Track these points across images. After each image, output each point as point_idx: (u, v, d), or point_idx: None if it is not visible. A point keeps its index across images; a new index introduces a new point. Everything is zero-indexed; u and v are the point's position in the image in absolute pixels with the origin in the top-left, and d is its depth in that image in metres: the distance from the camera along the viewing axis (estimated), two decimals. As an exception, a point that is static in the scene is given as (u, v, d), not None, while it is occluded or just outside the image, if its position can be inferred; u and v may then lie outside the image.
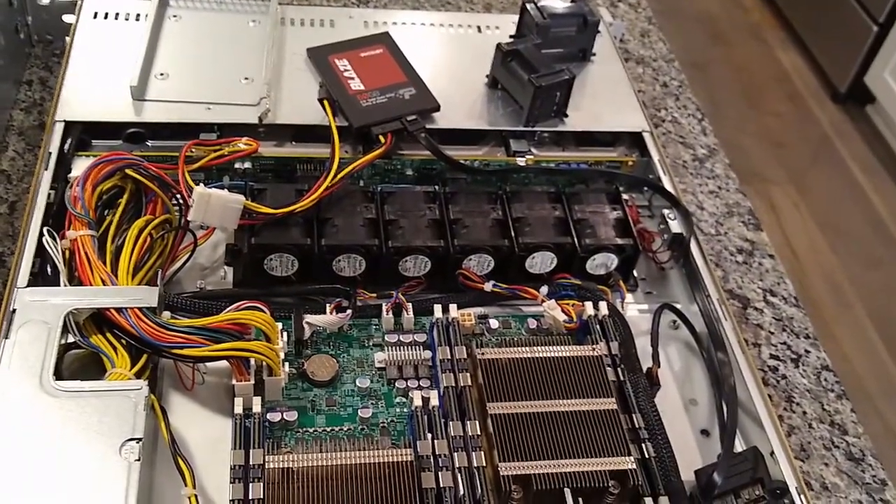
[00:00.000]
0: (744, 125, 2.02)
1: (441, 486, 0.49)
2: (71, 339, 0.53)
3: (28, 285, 0.55)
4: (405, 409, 0.55)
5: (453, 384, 0.54)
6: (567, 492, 0.50)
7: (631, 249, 0.63)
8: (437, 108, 0.69)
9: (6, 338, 0.51)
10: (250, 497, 0.47)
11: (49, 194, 0.60)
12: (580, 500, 0.50)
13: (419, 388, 0.56)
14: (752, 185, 0.74)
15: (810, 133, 2.09)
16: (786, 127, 2.09)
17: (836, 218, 1.85)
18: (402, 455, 0.50)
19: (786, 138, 2.05)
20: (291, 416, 0.54)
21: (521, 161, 0.70)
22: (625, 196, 0.67)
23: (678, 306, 0.63)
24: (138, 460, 0.47)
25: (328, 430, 0.54)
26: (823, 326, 0.64)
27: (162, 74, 0.69)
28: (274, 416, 0.53)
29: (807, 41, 2.26)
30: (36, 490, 0.45)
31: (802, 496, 0.52)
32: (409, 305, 0.59)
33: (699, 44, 2.23)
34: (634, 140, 0.73)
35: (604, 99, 0.74)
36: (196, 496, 0.47)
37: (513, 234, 0.62)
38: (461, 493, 0.50)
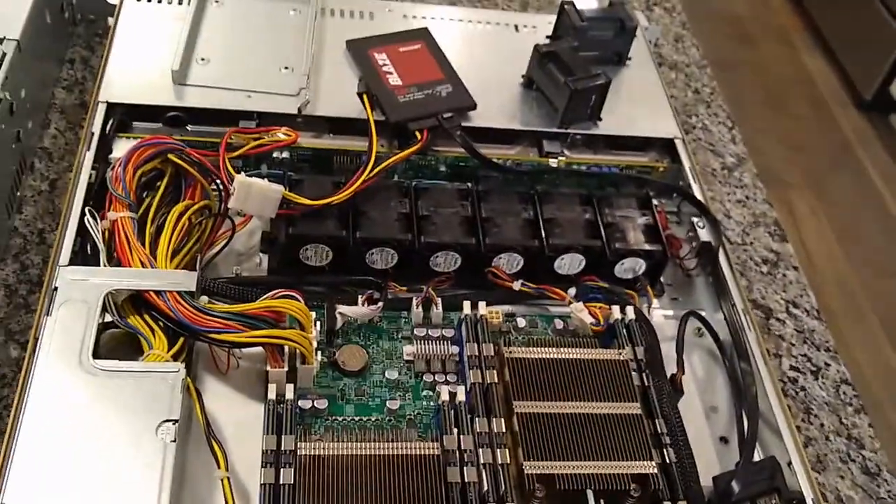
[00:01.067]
0: (765, 127, 2.01)
1: (466, 481, 0.51)
2: (109, 318, 0.54)
3: (69, 264, 0.56)
4: (432, 403, 0.57)
5: (480, 381, 0.55)
6: (589, 493, 0.51)
7: (660, 255, 0.64)
8: (474, 107, 0.70)
9: (48, 314, 0.52)
10: (281, 482, 0.49)
11: (90, 174, 0.61)
12: (602, 501, 0.51)
13: (446, 382, 0.57)
14: (770, 188, 0.74)
15: (832, 139, 2.08)
16: (807, 131, 2.08)
17: (853, 225, 1.86)
18: (428, 448, 0.51)
19: (806, 143, 2.05)
20: (322, 403, 0.55)
21: (553, 162, 0.70)
22: (654, 201, 0.68)
23: (703, 314, 0.64)
24: (174, 441, 0.48)
25: (357, 419, 0.55)
26: (837, 334, 0.65)
27: (203, 59, 0.69)
28: (305, 403, 0.55)
29: (834, 46, 2.25)
30: (72, 466, 0.46)
31: (818, 508, 0.53)
32: (439, 300, 0.60)
33: (725, 44, 2.22)
34: (666, 146, 0.74)
35: (637, 104, 0.75)
36: (228, 479, 0.49)
37: (543, 234, 0.63)
38: (485, 488, 0.51)
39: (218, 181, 0.61)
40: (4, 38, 0.64)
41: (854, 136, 2.09)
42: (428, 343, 0.59)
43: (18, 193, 0.64)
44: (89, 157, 0.62)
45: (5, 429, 0.47)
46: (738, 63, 2.16)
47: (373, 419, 0.56)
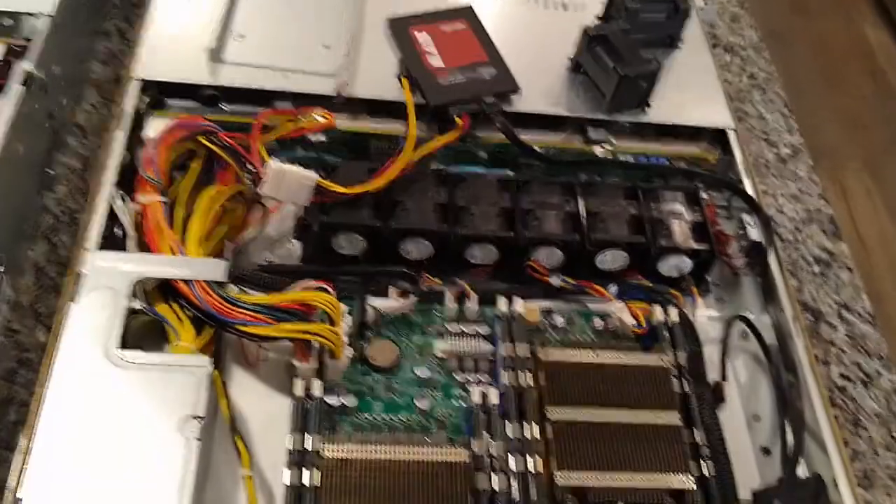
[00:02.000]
0: (819, 102, 1.94)
1: (494, 489, 0.49)
2: (136, 305, 0.53)
3: (97, 248, 0.55)
4: (463, 404, 0.55)
5: (514, 383, 0.54)
6: (622, 506, 0.49)
7: (707, 255, 0.61)
8: (517, 91, 0.67)
9: (73, 301, 0.51)
10: (306, 484, 0.48)
11: (122, 154, 0.60)
12: (636, 516, 0.49)
13: (479, 382, 0.56)
14: (822, 167, 0.71)
15: (891, 115, 2.01)
16: (865, 107, 2.01)
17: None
18: (457, 455, 0.50)
19: (864, 119, 1.97)
20: (350, 400, 0.54)
21: (598, 151, 0.68)
22: (703, 194, 0.65)
23: (750, 315, 0.61)
24: (199, 439, 0.47)
25: (385, 417, 0.54)
26: (892, 341, 0.62)
27: (240, 36, 0.68)
28: (333, 399, 0.53)
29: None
30: (92, 460, 0.46)
31: (864, 531, 0.50)
32: (474, 295, 0.58)
33: (781, 18, 2.14)
34: (717, 136, 0.70)
35: (689, 90, 0.71)
36: (252, 478, 0.48)
37: (585, 229, 0.61)
38: (514, 497, 0.49)
39: (251, 165, 0.59)
40: (39, 13, 0.62)
41: (916, 112, 2.01)
42: (461, 340, 0.57)
43: (51, 171, 0.63)
44: (121, 136, 0.61)
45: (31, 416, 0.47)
46: (794, 37, 2.09)
47: (402, 418, 0.54)
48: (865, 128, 1.95)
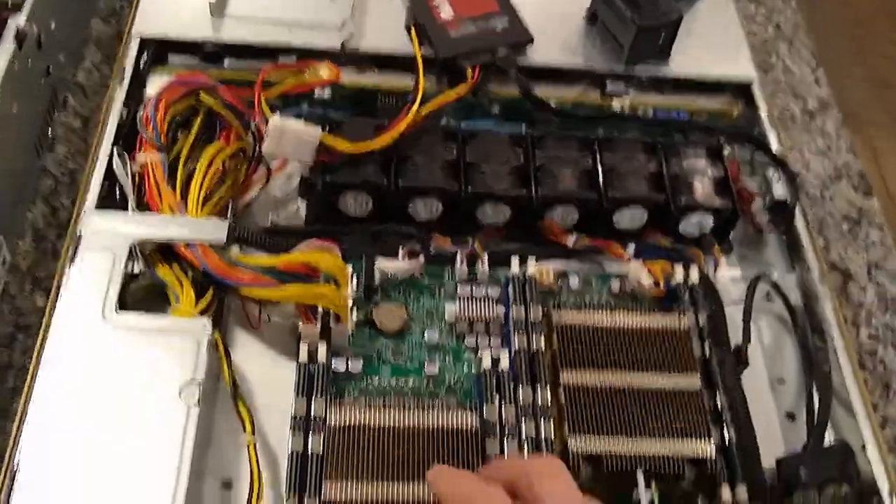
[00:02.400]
0: (850, 62, 1.89)
1: (506, 455, 0.47)
2: (137, 268, 0.52)
3: (97, 208, 0.53)
4: (473, 368, 0.53)
5: (526, 347, 0.51)
6: (639, 473, 0.47)
7: (729, 212, 0.58)
8: (531, 41, 0.64)
9: (72, 262, 0.50)
10: (310, 451, 0.46)
11: (122, 113, 0.58)
12: (652, 482, 0.47)
13: (490, 346, 0.54)
14: (854, 129, 0.67)
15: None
16: (892, 67, 1.95)
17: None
18: (467, 421, 0.48)
19: (891, 79, 1.91)
20: (357, 364, 0.52)
21: (615, 105, 0.65)
22: (725, 151, 0.62)
23: (774, 275, 0.59)
24: (198, 403, 0.46)
25: (393, 382, 0.52)
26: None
27: (243, -13, 0.65)
28: (339, 364, 0.52)
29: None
30: (91, 423, 0.44)
31: (894, 498, 0.48)
32: (485, 256, 0.56)
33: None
34: (741, 89, 0.67)
35: (711, 42, 0.68)
36: (255, 444, 0.46)
37: (602, 186, 0.58)
38: (527, 464, 0.47)
39: (253, 122, 0.57)
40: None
41: (947, 70, 1.95)
42: (472, 303, 0.55)
43: (50, 131, 0.61)
44: (120, 94, 0.59)
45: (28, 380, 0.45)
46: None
47: (410, 383, 0.52)
48: (892, 87, 1.89)
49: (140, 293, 0.52)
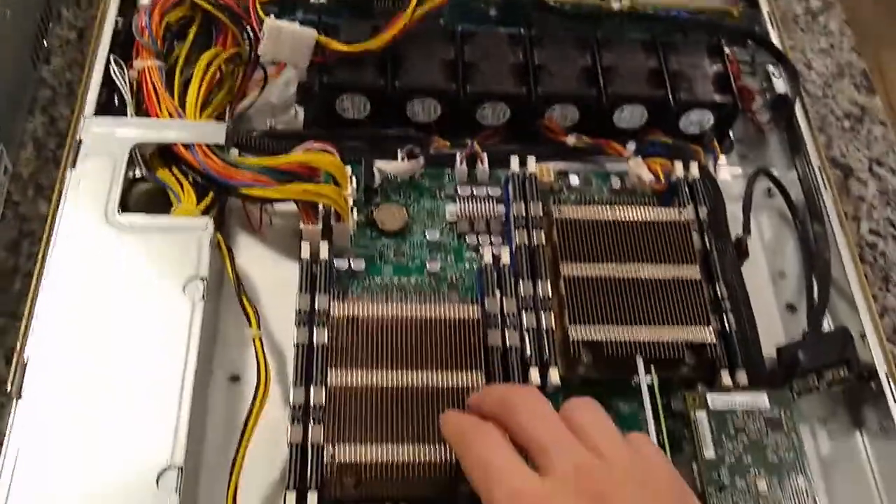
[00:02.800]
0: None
1: (507, 345, 0.48)
2: (137, 173, 0.52)
3: (95, 115, 0.53)
4: (474, 265, 0.53)
5: (526, 242, 0.52)
6: (639, 360, 0.48)
7: (730, 108, 0.58)
8: (529, -59, 0.63)
9: (73, 167, 0.50)
10: (315, 342, 0.47)
11: (117, 21, 0.58)
12: (652, 369, 0.48)
13: (490, 244, 0.54)
14: (853, 26, 0.66)
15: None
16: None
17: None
18: (468, 311, 0.48)
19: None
20: (359, 264, 0.52)
21: (615, 4, 0.64)
22: (726, 49, 0.61)
23: (774, 172, 0.59)
24: (203, 299, 0.46)
25: (395, 281, 0.52)
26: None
27: None
28: (341, 263, 0.52)
29: None
30: (98, 320, 0.45)
31: (891, 381, 0.49)
32: (485, 156, 0.56)
33: None
34: (742, -14, 0.66)
35: (712, -63, 0.67)
36: (261, 338, 0.47)
37: (601, 83, 0.58)
38: (528, 353, 0.48)
39: (249, 27, 0.57)
40: None
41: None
42: (472, 202, 0.55)
43: (45, 43, 0.61)
44: (115, 2, 0.58)
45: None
46: None
47: (412, 281, 0.53)
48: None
49: (141, 199, 0.52)
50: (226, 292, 0.51)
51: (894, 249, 0.60)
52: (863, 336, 0.51)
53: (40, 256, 0.47)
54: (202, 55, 0.55)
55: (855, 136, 0.65)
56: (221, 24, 0.57)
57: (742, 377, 0.48)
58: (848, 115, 0.66)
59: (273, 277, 0.52)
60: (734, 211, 0.56)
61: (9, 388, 0.42)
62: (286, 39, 0.54)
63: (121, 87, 0.54)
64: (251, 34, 0.56)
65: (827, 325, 0.53)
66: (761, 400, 0.47)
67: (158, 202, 0.52)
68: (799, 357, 0.49)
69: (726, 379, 0.48)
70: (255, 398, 0.44)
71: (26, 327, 0.44)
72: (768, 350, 0.51)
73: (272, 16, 0.55)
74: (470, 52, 0.58)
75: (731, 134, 0.61)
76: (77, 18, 0.64)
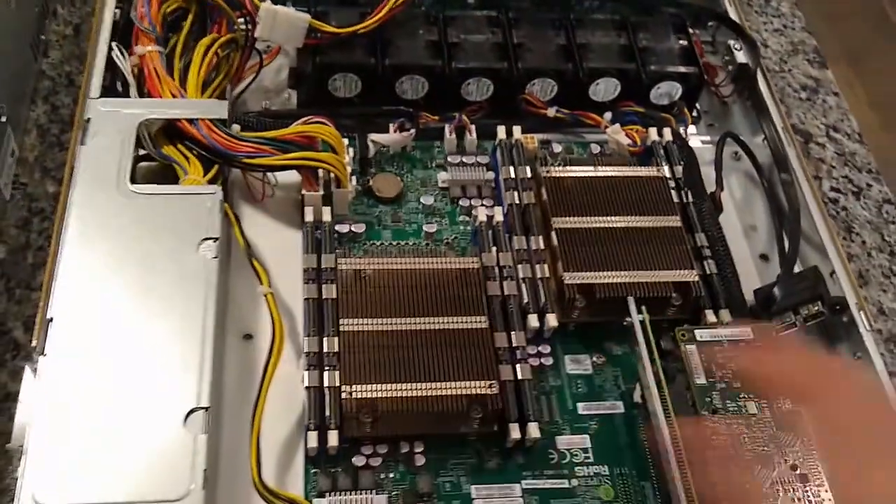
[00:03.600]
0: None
1: (505, 293, 0.51)
2: (143, 151, 0.54)
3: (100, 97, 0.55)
4: (468, 227, 0.56)
5: (517, 202, 0.55)
6: (630, 300, 0.51)
7: (696, 78, 0.62)
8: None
9: (82, 143, 0.52)
10: (324, 296, 0.49)
11: (115, 12, 0.60)
12: (643, 308, 0.51)
13: (483, 206, 0.57)
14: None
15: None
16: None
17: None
18: (468, 263, 0.51)
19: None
20: (359, 228, 0.55)
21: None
22: (690, 29, 0.65)
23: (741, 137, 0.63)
24: (216, 257, 0.48)
25: (394, 243, 0.55)
26: (881, 158, 0.62)
27: None
28: (342, 228, 0.55)
29: None
30: (115, 285, 0.47)
31: (862, 312, 0.52)
32: (473, 127, 0.59)
33: None
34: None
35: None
36: (272, 294, 0.49)
37: (577, 59, 0.62)
38: (525, 300, 0.51)
39: (244, 13, 0.59)
40: None
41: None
42: (462, 169, 0.58)
43: (43, 37, 0.63)
44: (113, -8, 0.61)
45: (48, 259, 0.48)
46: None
47: (411, 243, 0.55)
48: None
49: (146, 177, 0.54)
50: (234, 262, 0.53)
51: (854, 204, 0.64)
52: (832, 273, 0.54)
53: (56, 229, 0.48)
54: (200, 41, 0.58)
55: (811, 105, 0.70)
56: (216, 13, 0.59)
57: (725, 316, 0.52)
58: (804, 87, 0.71)
59: (277, 245, 0.54)
60: (707, 172, 0.60)
61: (33, 343, 0.44)
62: (281, 22, 0.57)
63: (123, 71, 0.56)
64: (247, 20, 0.59)
65: (798, 269, 0.57)
66: (745, 332, 0.50)
67: (163, 179, 0.54)
68: (775, 294, 0.53)
69: (711, 318, 0.52)
70: (272, 346, 0.46)
71: (48, 290, 0.46)
72: (747, 294, 0.54)
73: (268, 0, 0.58)
74: (453, 33, 0.61)
75: (697, 105, 0.65)
76: (72, 15, 0.66)
